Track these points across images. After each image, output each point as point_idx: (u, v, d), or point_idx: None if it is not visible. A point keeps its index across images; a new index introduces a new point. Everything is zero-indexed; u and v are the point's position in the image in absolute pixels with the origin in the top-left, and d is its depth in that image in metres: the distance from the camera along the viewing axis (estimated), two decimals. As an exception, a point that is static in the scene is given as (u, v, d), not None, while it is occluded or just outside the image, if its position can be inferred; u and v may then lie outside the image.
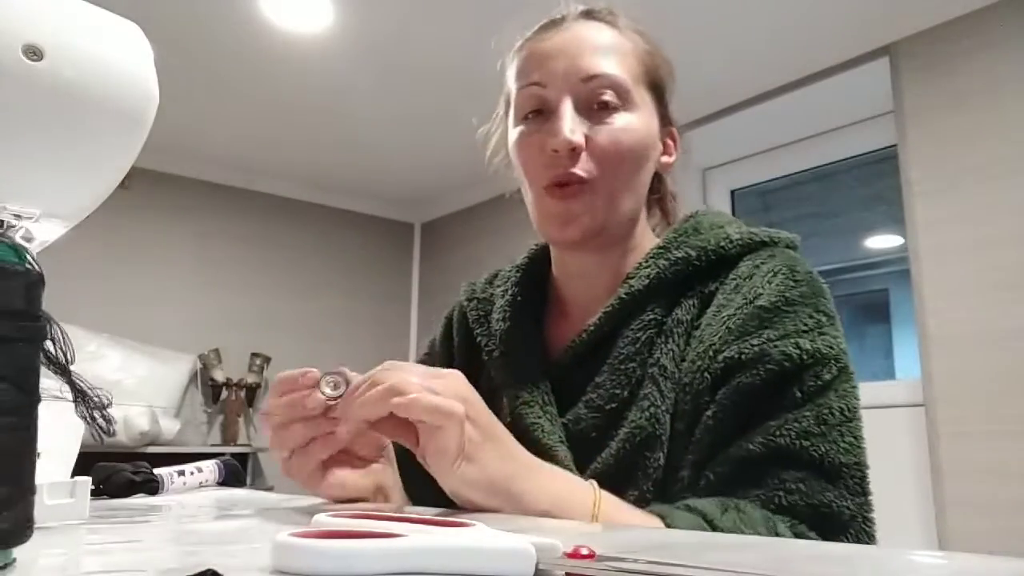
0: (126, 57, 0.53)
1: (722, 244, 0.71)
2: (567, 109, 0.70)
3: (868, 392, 2.45)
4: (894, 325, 2.76)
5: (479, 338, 0.81)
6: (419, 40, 2.57)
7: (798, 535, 0.57)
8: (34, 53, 0.47)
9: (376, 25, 2.50)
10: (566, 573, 0.31)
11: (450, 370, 0.55)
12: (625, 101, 0.71)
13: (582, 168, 0.70)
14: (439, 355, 0.88)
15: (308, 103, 3.06)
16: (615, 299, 0.72)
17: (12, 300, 0.30)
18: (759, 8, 2.31)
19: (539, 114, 0.73)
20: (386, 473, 0.65)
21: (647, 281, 0.71)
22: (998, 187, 2.08)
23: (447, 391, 0.52)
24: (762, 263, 0.69)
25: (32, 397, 0.31)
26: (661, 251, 0.73)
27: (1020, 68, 2.08)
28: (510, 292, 0.81)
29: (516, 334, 0.78)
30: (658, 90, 0.77)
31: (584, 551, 0.31)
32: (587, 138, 0.70)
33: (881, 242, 2.82)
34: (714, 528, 0.55)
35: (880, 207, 2.74)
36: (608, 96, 0.70)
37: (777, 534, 0.56)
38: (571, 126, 0.69)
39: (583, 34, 0.73)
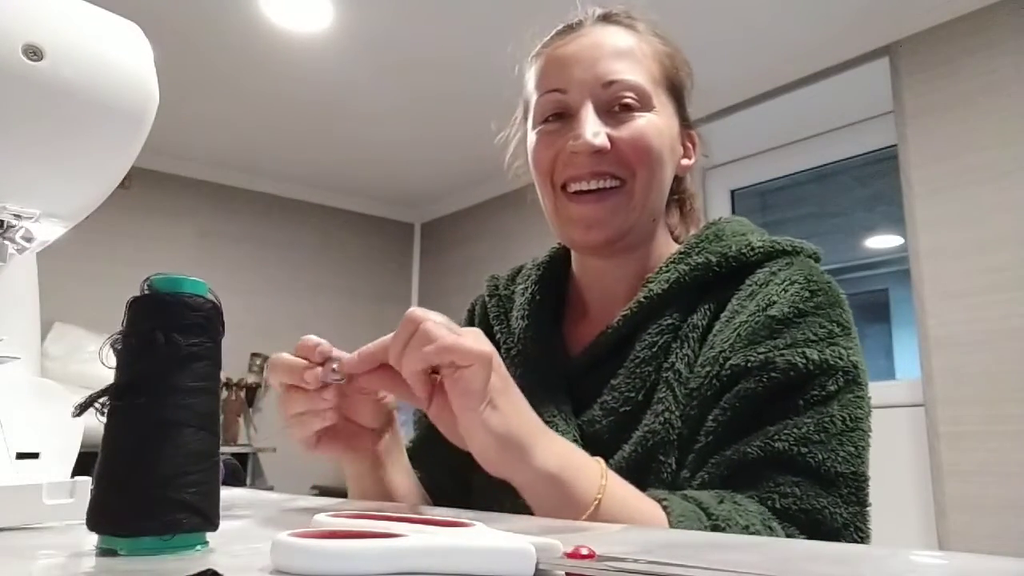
0: (126, 57, 0.53)
1: (743, 251, 0.70)
2: (588, 113, 0.70)
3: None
4: (894, 325, 2.76)
5: (498, 335, 0.82)
6: (419, 41, 2.57)
7: (790, 537, 0.57)
8: (34, 53, 0.47)
9: (376, 25, 2.50)
10: (566, 573, 0.31)
11: (471, 328, 0.55)
12: (646, 104, 0.71)
13: (612, 169, 0.70)
14: None
15: (308, 103, 3.07)
16: (634, 303, 0.72)
17: (217, 328, 0.40)
18: (759, 8, 2.31)
19: (559, 118, 0.73)
20: (385, 440, 0.66)
21: (666, 286, 0.71)
22: (998, 187, 2.08)
23: (472, 336, 0.52)
24: (779, 270, 0.68)
25: (218, 406, 0.40)
26: (682, 256, 0.73)
27: (1020, 68, 2.08)
28: (530, 291, 0.82)
29: (534, 334, 0.78)
30: (677, 93, 0.76)
31: (584, 551, 0.31)
32: (612, 139, 0.70)
33: (881, 242, 2.82)
34: (709, 516, 0.56)
35: (880, 207, 2.75)
36: (629, 99, 0.70)
37: (770, 529, 0.56)
38: (595, 129, 0.69)
39: (602, 39, 0.73)
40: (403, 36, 2.55)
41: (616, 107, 0.70)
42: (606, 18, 0.75)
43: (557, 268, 0.84)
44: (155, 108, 0.55)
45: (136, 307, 0.39)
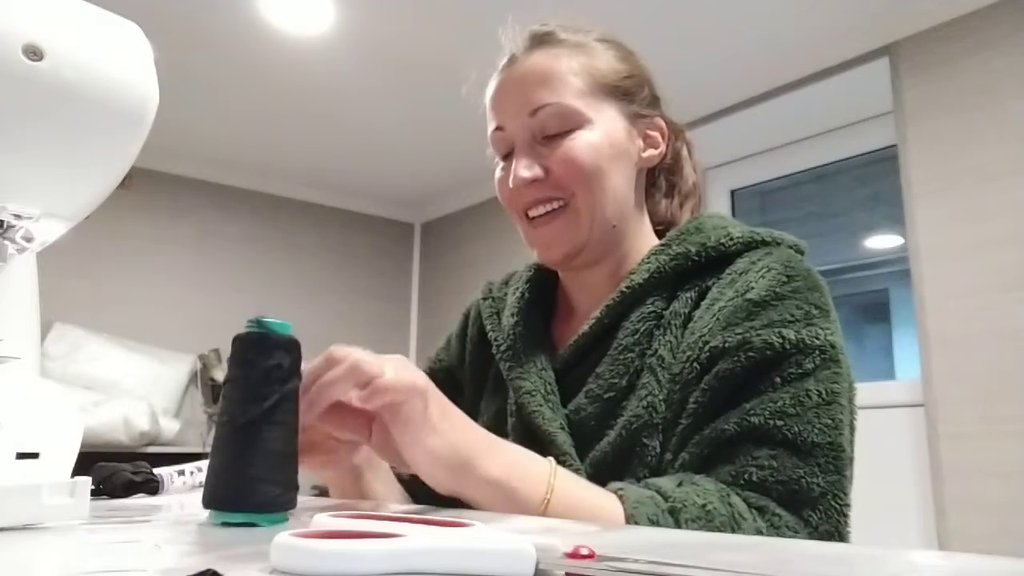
0: (126, 57, 0.53)
1: (722, 241, 0.73)
2: (520, 149, 0.76)
3: (868, 392, 2.45)
4: (894, 325, 2.76)
5: (490, 333, 0.85)
6: (419, 41, 2.57)
7: (761, 509, 0.58)
8: (34, 53, 0.47)
9: (376, 26, 2.50)
10: (566, 573, 0.31)
11: (394, 355, 0.57)
12: (576, 122, 0.74)
13: (552, 193, 0.75)
14: (455, 349, 0.92)
15: (308, 103, 3.06)
16: (616, 293, 0.75)
17: (297, 358, 0.52)
18: (759, 8, 2.31)
19: (507, 155, 0.79)
20: (362, 451, 0.68)
21: (647, 275, 0.74)
22: (998, 187, 2.08)
23: (401, 370, 0.55)
24: (759, 259, 0.70)
25: (297, 416, 0.51)
26: (663, 247, 0.76)
27: (1020, 68, 2.08)
28: (520, 290, 0.86)
29: (523, 329, 0.81)
30: (619, 92, 0.78)
31: (584, 551, 0.31)
32: (546, 167, 0.75)
33: (881, 242, 2.82)
34: (666, 498, 0.57)
35: (880, 207, 2.74)
36: (556, 122, 0.74)
37: (730, 505, 0.57)
38: (526, 163, 0.75)
39: (526, 69, 0.77)
40: (403, 37, 2.55)
41: (547, 133, 0.75)
42: (536, 41, 0.78)
43: (547, 270, 0.88)
44: (155, 108, 0.55)
45: (238, 342, 0.52)
